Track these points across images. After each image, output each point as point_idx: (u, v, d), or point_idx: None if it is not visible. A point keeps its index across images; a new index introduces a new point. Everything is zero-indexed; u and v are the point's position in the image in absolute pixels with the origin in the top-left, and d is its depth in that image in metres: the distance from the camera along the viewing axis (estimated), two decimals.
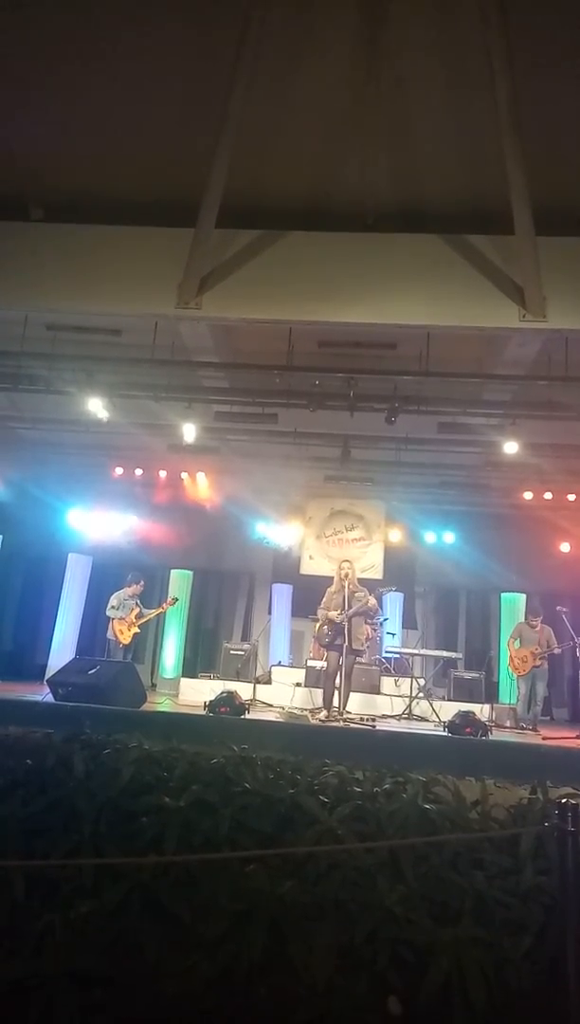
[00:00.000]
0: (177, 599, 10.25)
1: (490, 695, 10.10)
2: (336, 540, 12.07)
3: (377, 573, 11.64)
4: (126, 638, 9.01)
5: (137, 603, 9.20)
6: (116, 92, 5.25)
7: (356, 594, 7.46)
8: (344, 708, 7.31)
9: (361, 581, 8.10)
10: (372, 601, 7.69)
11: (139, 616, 9.13)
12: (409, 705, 8.71)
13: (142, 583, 9.36)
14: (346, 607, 7.33)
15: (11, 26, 4.81)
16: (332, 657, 7.53)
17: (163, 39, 4.85)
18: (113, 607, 9.16)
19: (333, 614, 7.38)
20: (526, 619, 9.08)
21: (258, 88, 4.87)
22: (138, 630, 9.16)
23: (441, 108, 5.18)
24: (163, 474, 11.06)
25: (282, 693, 9.22)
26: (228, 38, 4.57)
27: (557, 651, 8.62)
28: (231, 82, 4.75)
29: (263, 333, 7.16)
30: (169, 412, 8.50)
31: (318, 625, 7.75)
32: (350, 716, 7.33)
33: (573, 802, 2.59)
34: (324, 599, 7.69)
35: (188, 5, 4.65)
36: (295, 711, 7.82)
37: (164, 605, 9.84)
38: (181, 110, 5.33)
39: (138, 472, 11.12)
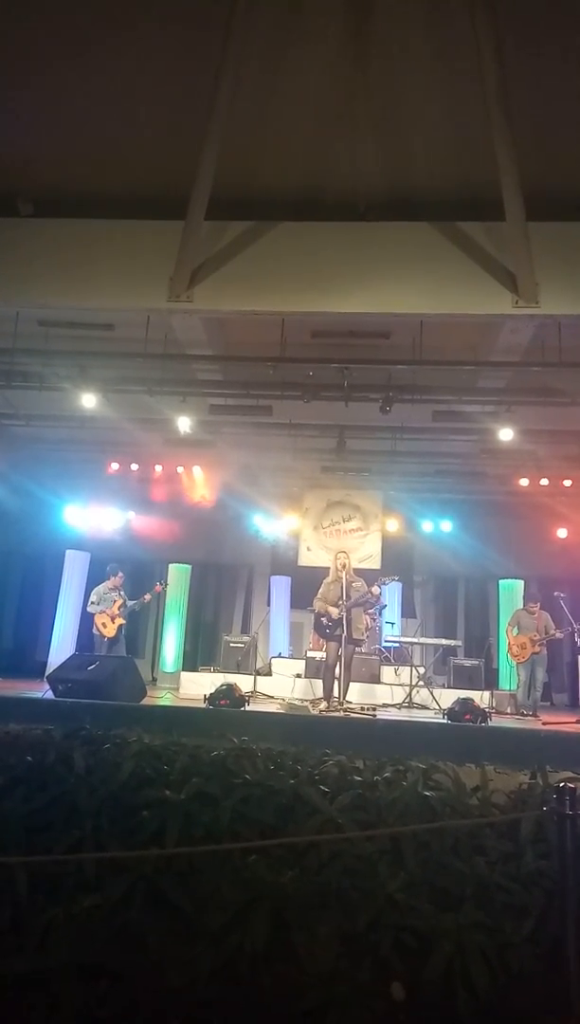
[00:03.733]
0: (166, 583, 10.12)
1: (490, 682, 10.15)
2: (333, 531, 12.09)
3: (375, 563, 11.66)
4: (110, 631, 8.92)
5: (120, 595, 9.06)
6: (104, 86, 5.21)
7: (353, 584, 7.47)
8: (344, 698, 7.32)
9: (359, 571, 8.11)
10: (375, 590, 7.69)
11: (122, 607, 9.02)
12: (409, 693, 8.75)
13: (120, 575, 9.22)
14: (344, 597, 7.34)
15: None
16: (331, 648, 7.54)
17: (150, 32, 4.81)
18: (93, 602, 9.08)
19: (333, 610, 7.37)
20: (524, 606, 9.10)
21: (246, 79, 4.85)
22: (124, 621, 9.02)
23: (430, 95, 5.15)
24: (159, 468, 11.06)
25: (282, 684, 9.25)
26: (216, 29, 4.53)
27: (557, 636, 8.64)
28: (219, 74, 4.72)
29: (256, 325, 7.15)
30: (164, 406, 8.49)
31: (315, 616, 7.72)
32: (350, 706, 7.35)
33: (571, 786, 2.61)
34: (320, 590, 7.69)
35: None
36: (296, 702, 7.84)
37: (146, 597, 9.41)
38: (169, 102, 5.29)
39: (134, 467, 11.11)
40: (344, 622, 7.25)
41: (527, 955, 2.47)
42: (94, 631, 9.08)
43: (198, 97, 4.96)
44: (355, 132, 5.39)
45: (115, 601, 9.00)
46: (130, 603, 9.11)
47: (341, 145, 5.55)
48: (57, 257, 6.23)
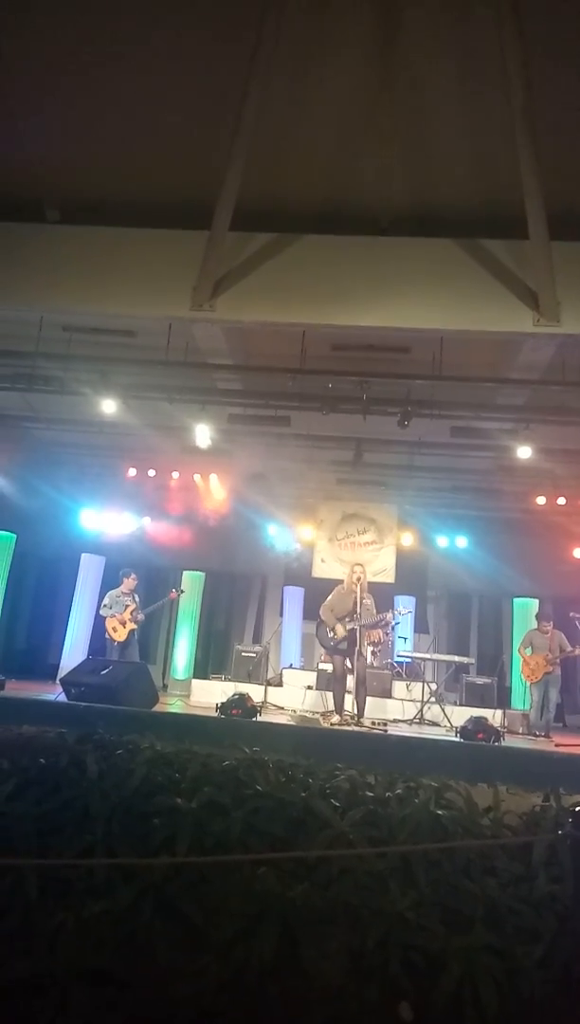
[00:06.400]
0: (182, 591, 10.12)
1: (502, 700, 10.07)
2: (348, 543, 12.07)
3: (389, 577, 11.63)
4: (121, 635, 8.88)
5: (133, 599, 9.01)
6: (132, 95, 5.29)
7: (365, 601, 7.42)
8: (361, 715, 7.26)
9: (373, 585, 8.09)
10: (389, 617, 7.69)
11: (135, 612, 8.98)
12: (421, 710, 8.70)
13: (134, 577, 9.16)
14: (356, 611, 7.31)
15: (28, 31, 4.86)
16: (337, 661, 7.51)
17: (179, 43, 4.87)
18: (105, 606, 9.05)
19: (340, 628, 7.35)
20: (537, 625, 9.02)
21: (273, 92, 4.89)
22: (135, 626, 8.98)
23: (456, 112, 5.17)
24: (176, 476, 11.09)
25: (293, 696, 9.23)
26: (244, 42, 4.59)
27: (575, 653, 8.54)
28: (246, 86, 4.77)
29: (277, 336, 7.18)
30: (183, 414, 8.53)
31: (322, 626, 7.66)
32: (361, 720, 7.30)
33: None
34: (331, 598, 7.63)
35: (204, 9, 4.67)
36: (307, 714, 7.82)
37: (160, 604, 9.44)
38: (197, 113, 5.36)
39: (151, 473, 11.16)
40: (356, 637, 7.24)
41: (538, 980, 2.44)
42: (106, 635, 9.08)
43: (225, 108, 5.02)
44: (379, 147, 5.43)
45: (127, 606, 8.96)
46: (145, 610, 9.09)
47: (365, 160, 5.59)
48: (82, 264, 6.31)
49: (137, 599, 9.03)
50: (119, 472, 11.26)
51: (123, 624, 8.93)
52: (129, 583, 9.05)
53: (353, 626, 7.28)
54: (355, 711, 7.26)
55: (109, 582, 11.69)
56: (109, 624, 9.00)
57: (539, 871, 2.76)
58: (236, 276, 6.18)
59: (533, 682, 8.66)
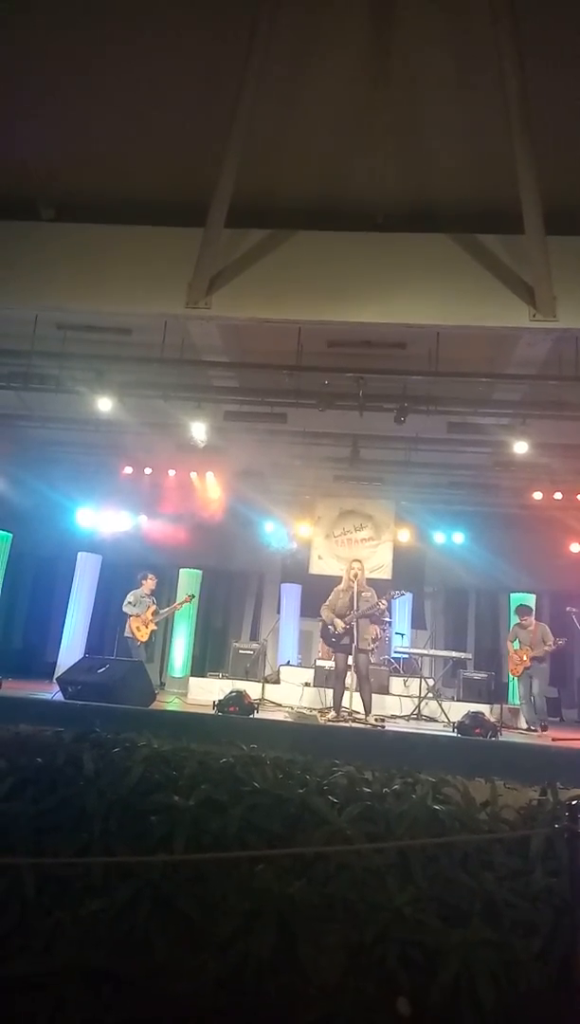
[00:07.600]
0: (193, 596, 10.33)
1: (499, 696, 10.08)
2: (345, 540, 12.07)
3: (386, 573, 11.63)
4: (144, 635, 9.08)
5: (153, 600, 9.25)
6: (126, 93, 5.26)
7: (363, 594, 7.45)
8: (368, 712, 7.28)
9: (371, 581, 8.10)
10: (382, 604, 7.70)
11: (155, 613, 9.17)
12: (418, 705, 8.70)
13: (153, 577, 9.39)
14: (354, 607, 7.32)
15: (22, 29, 4.83)
16: (339, 658, 7.52)
17: (173, 40, 4.85)
18: (129, 603, 9.21)
19: (339, 622, 7.37)
20: (520, 619, 8.99)
21: (268, 88, 4.87)
22: (156, 627, 9.20)
23: (451, 107, 5.16)
24: (172, 473, 11.07)
25: (291, 693, 9.22)
26: (238, 38, 4.57)
27: (548, 648, 8.50)
28: (241, 82, 4.74)
29: (272, 333, 7.15)
30: (178, 411, 8.52)
31: (322, 624, 7.72)
32: (358, 716, 7.31)
33: None
34: (330, 597, 7.66)
35: (198, 6, 4.65)
36: (304, 711, 7.82)
37: (176, 605, 9.91)
38: (191, 110, 5.33)
39: (147, 471, 11.13)
40: (354, 632, 7.24)
41: (535, 973, 2.45)
42: (127, 634, 9.20)
43: (219, 105, 4.99)
44: (375, 142, 5.40)
45: (149, 607, 9.14)
46: (162, 612, 9.28)
47: (360, 155, 5.57)
48: (77, 261, 6.28)
49: (156, 600, 9.22)
50: (115, 470, 11.23)
51: (146, 624, 9.08)
52: (149, 584, 9.28)
53: (351, 618, 7.29)
54: (354, 707, 7.27)
55: (106, 580, 11.73)
56: (133, 624, 9.13)
57: (536, 865, 2.76)
58: (231, 273, 6.15)
59: (517, 675, 8.67)
